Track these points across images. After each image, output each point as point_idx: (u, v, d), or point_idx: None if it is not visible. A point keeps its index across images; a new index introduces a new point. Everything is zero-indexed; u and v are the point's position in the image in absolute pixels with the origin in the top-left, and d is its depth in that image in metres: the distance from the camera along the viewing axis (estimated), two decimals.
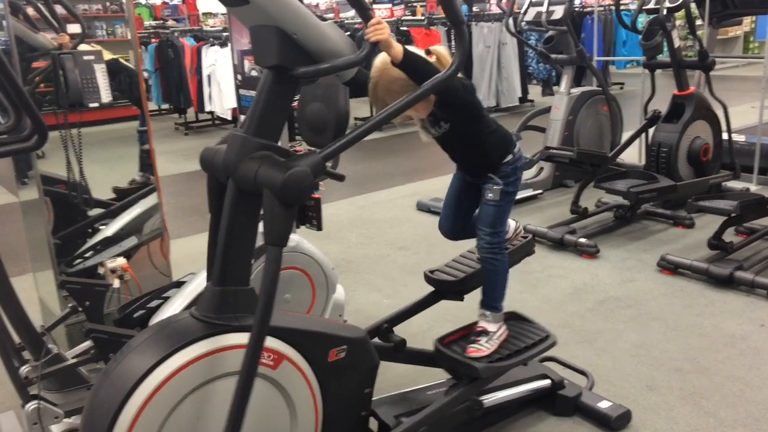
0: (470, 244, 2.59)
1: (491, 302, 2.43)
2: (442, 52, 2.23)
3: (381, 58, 2.19)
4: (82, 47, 3.03)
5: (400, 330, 2.57)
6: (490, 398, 2.49)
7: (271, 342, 1.83)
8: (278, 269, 1.67)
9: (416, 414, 2.25)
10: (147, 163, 3.25)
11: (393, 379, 2.73)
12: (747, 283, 3.59)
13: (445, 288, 2.58)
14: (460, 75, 2.24)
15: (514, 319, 2.62)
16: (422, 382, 2.56)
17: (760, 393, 2.70)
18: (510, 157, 2.40)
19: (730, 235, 4.13)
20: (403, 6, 11.06)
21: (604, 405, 2.55)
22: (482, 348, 2.36)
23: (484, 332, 2.41)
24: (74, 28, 3.18)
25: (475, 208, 2.54)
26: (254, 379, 1.67)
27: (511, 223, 2.70)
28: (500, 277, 2.42)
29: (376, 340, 2.52)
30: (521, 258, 2.71)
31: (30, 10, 3.00)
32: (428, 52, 2.23)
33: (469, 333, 2.46)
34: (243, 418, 1.66)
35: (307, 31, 1.74)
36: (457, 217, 2.58)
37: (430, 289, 2.64)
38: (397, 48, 1.88)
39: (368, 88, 2.15)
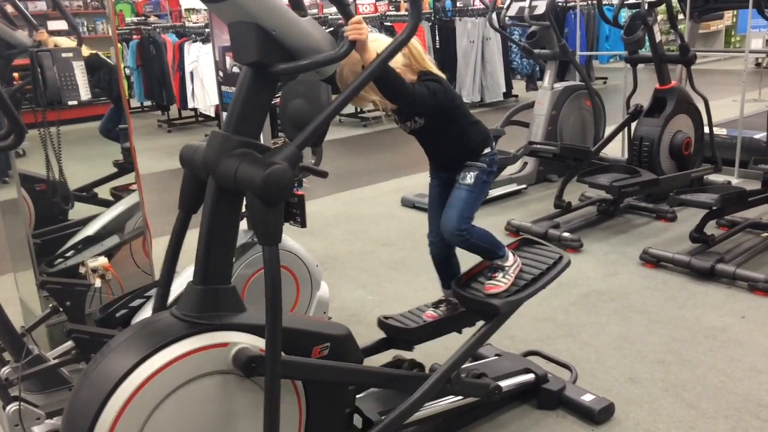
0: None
1: (494, 257, 2.47)
2: (415, 45, 2.23)
3: None
4: (65, 44, 2.99)
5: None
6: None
7: (253, 340, 1.82)
8: (278, 268, 1.68)
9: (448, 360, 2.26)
10: (128, 161, 3.20)
11: None
12: (728, 276, 3.63)
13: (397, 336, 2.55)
14: (436, 72, 2.25)
15: (525, 244, 2.64)
16: None
17: (741, 384, 2.73)
18: (488, 149, 2.42)
19: (711, 228, 4.17)
20: (386, 1, 11.04)
21: (587, 398, 2.57)
22: (499, 284, 2.40)
23: (500, 268, 2.45)
24: (54, 25, 3.14)
25: None
26: (280, 382, 1.69)
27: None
28: (483, 240, 2.45)
29: None
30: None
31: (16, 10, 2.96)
32: None
33: (485, 268, 2.50)
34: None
35: (286, 28, 1.74)
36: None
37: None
38: (371, 54, 1.86)
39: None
